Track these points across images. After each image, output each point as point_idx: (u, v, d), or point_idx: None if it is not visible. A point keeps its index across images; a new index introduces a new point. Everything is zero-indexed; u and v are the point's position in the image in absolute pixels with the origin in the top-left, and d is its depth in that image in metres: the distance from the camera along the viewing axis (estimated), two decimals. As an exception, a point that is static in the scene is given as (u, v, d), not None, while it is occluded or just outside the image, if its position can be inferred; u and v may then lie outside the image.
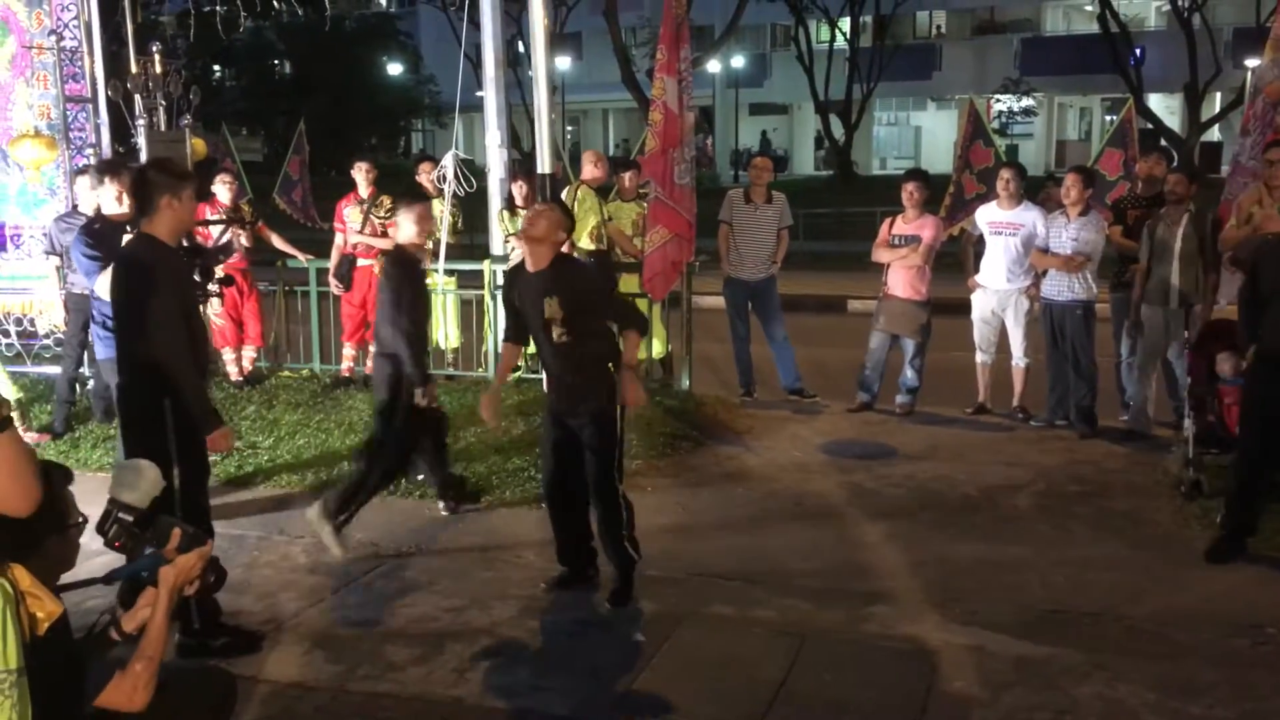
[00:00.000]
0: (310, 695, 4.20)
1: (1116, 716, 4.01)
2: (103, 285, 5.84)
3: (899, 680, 4.32)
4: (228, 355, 9.02)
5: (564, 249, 5.08)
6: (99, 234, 6.29)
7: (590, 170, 8.79)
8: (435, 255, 8.68)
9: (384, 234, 8.88)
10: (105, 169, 6.55)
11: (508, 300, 5.23)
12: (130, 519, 2.82)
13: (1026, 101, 37.95)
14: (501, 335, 5.65)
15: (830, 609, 4.95)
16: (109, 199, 6.39)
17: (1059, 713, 4.03)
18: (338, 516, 5.54)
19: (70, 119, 8.69)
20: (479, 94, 9.46)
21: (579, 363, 4.94)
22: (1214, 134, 33.55)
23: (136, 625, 2.73)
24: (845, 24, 36.52)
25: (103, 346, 6.27)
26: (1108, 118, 38.40)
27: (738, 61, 40.02)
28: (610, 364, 4.99)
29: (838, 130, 36.49)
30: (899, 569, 5.42)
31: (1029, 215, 7.91)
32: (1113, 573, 5.36)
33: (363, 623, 4.87)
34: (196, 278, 4.78)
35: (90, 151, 8.71)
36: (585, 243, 8.46)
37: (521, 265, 5.05)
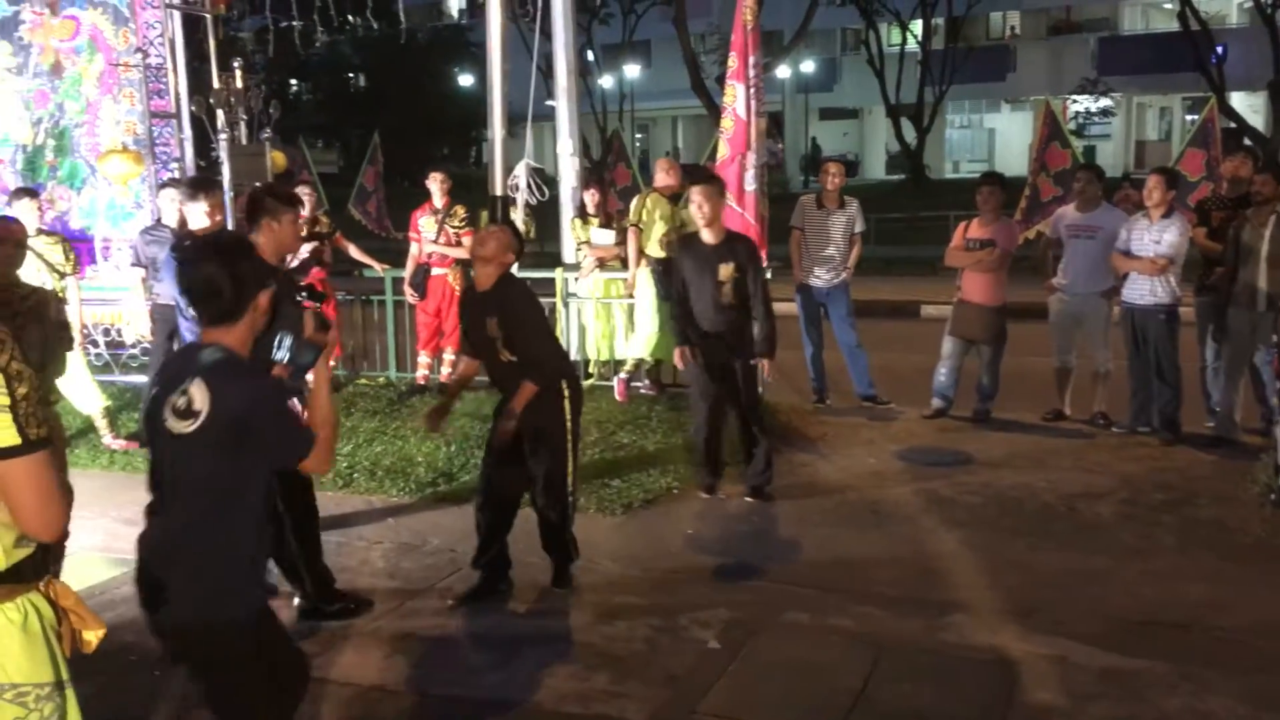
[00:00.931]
0: (391, 698, 4.26)
1: (1206, 730, 3.91)
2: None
3: (979, 691, 4.26)
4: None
5: (512, 269, 5.19)
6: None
7: (662, 178, 8.80)
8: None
9: (458, 243, 8.99)
10: (196, 185, 6.50)
11: (461, 317, 5.41)
12: None
13: (1104, 102, 37.26)
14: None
15: (908, 618, 4.90)
16: (198, 215, 6.36)
17: (1146, 726, 3.95)
18: None
19: (155, 134, 8.93)
20: (549, 103, 9.54)
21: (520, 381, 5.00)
22: (1300, 132, 32.63)
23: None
24: (916, 26, 36.20)
25: None
26: (1189, 117, 37.57)
27: (807, 66, 39.81)
28: (561, 379, 5.10)
29: (909, 134, 36.15)
30: (977, 578, 5.35)
31: (1108, 218, 7.77)
32: (1200, 583, 5.23)
33: (442, 627, 4.93)
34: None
35: (175, 166, 8.95)
36: (655, 250, 8.47)
37: (472, 284, 5.18)
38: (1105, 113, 38.57)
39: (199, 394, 2.83)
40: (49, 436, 2.29)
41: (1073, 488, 6.65)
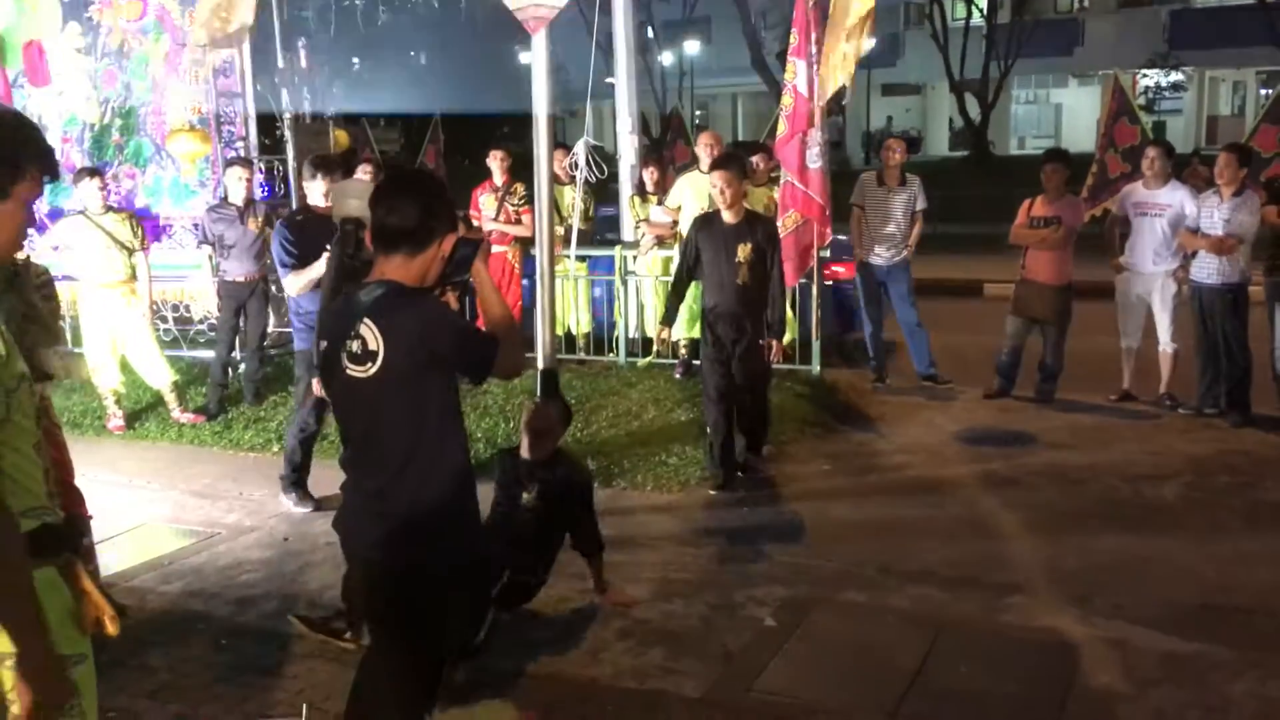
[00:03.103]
0: (449, 669, 4.31)
1: (1272, 716, 3.85)
2: (292, 284, 5.95)
3: (1038, 674, 4.22)
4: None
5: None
6: (300, 227, 5.99)
7: (705, 156, 8.77)
8: (567, 241, 8.79)
9: (518, 221, 9.04)
10: (318, 164, 6.17)
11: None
12: (351, 227, 3.43)
13: (1175, 76, 36.35)
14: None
15: (966, 599, 4.87)
16: (317, 193, 6.03)
17: (1209, 711, 3.90)
18: None
19: (220, 113, 9.06)
20: (609, 80, 9.52)
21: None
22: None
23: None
24: (982, 0, 35.54)
25: (299, 339, 6.27)
26: (1263, 91, 36.56)
27: (869, 41, 39.23)
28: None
29: (973, 110, 35.58)
30: (1038, 560, 5.29)
31: (1177, 195, 7.61)
32: (1266, 567, 5.14)
33: (499, 602, 4.97)
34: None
35: (239, 144, 9.07)
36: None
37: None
38: (1176, 87, 37.64)
39: (370, 334, 2.82)
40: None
41: (1137, 469, 6.55)
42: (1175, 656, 4.29)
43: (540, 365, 5.90)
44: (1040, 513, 5.94)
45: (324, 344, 2.99)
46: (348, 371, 2.87)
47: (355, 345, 2.85)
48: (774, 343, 6.39)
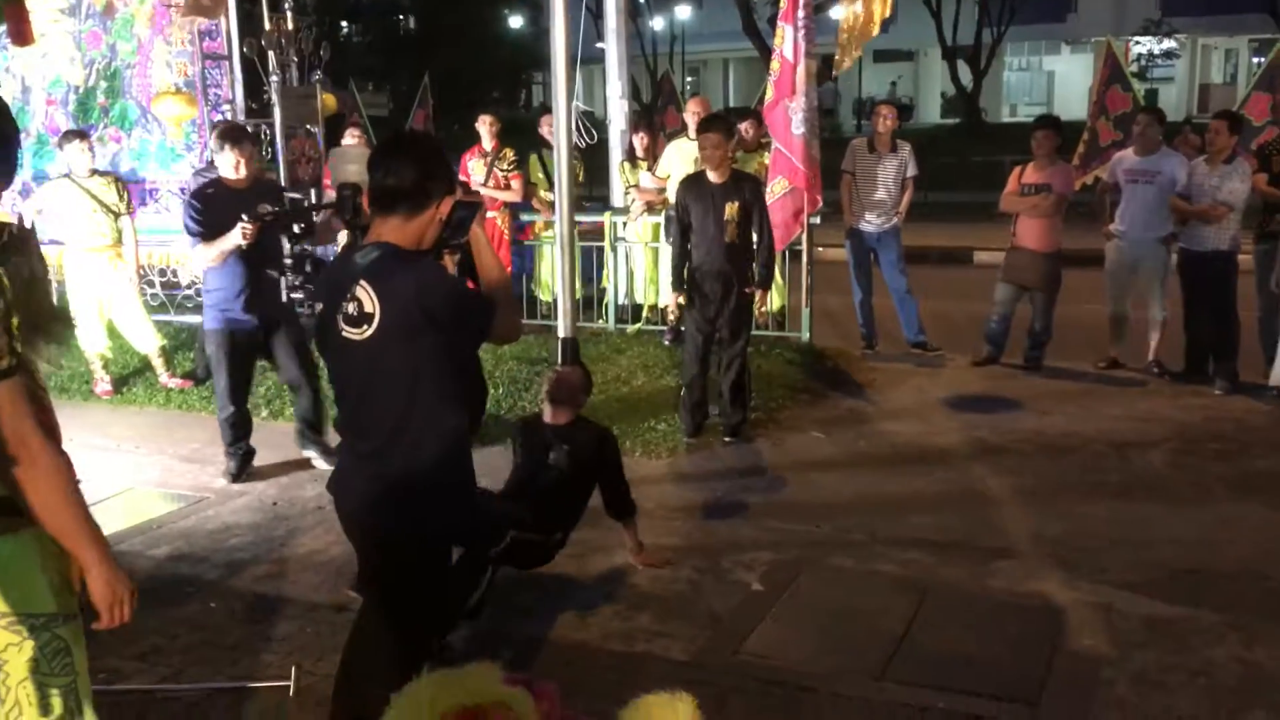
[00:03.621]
0: (451, 632, 4.32)
1: (1254, 680, 3.89)
2: (201, 256, 5.84)
3: (1024, 636, 4.25)
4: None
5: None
6: (210, 199, 5.83)
7: (693, 122, 8.74)
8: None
9: (507, 186, 9.01)
10: (227, 135, 5.89)
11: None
12: (349, 193, 3.36)
13: (1168, 44, 36.23)
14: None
15: (953, 563, 4.90)
16: (227, 165, 5.84)
17: (1193, 674, 3.93)
18: None
19: (207, 76, 8.96)
20: (599, 45, 9.47)
21: None
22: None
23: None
24: (975, -34, 35.32)
25: (209, 318, 6.05)
26: (1255, 60, 36.44)
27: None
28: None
29: (965, 77, 35.45)
30: (1024, 525, 5.32)
31: (1167, 162, 7.60)
32: (1251, 533, 5.18)
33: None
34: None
35: (226, 108, 8.99)
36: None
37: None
38: (1169, 55, 37.53)
39: (366, 297, 2.80)
40: (13, 368, 2.20)
41: (1124, 436, 6.58)
42: (1159, 620, 4.32)
43: (562, 333, 5.89)
44: (1027, 479, 5.96)
45: (320, 305, 2.97)
46: (344, 334, 2.86)
47: (351, 307, 2.83)
48: (759, 291, 6.55)
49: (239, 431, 6.13)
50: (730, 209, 6.31)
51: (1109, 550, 4.99)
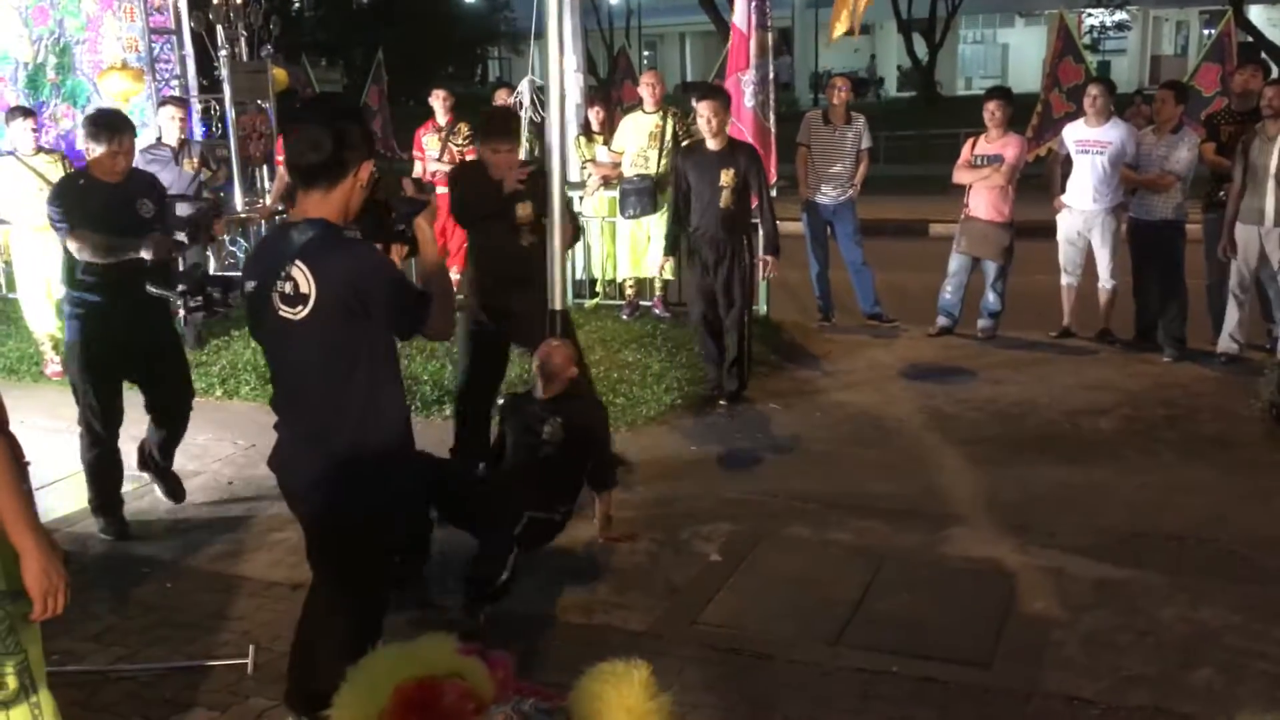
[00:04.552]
0: (399, 609, 4.32)
1: (1199, 639, 3.97)
2: (76, 248, 4.82)
3: (977, 601, 4.32)
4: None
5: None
6: (82, 191, 4.93)
7: (649, 95, 8.73)
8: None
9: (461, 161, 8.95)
10: (98, 124, 4.91)
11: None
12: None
13: (1119, 15, 36.55)
14: None
15: (908, 531, 4.96)
16: (102, 156, 4.89)
17: (1140, 634, 4.01)
18: None
19: (155, 51, 8.83)
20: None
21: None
22: (1319, 46, 32.01)
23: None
24: (930, -62, 35.37)
25: (69, 329, 5.07)
26: (1205, 31, 36.85)
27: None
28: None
29: (921, 50, 35.56)
30: (978, 492, 5.40)
31: (1117, 133, 7.67)
32: (1198, 496, 5.28)
33: (446, 541, 4.98)
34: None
35: (175, 83, 8.87)
36: (632, 169, 8.46)
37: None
38: (1121, 27, 37.87)
39: (301, 277, 2.76)
40: None
41: (1076, 404, 6.68)
42: (1108, 582, 4.41)
43: (555, 305, 5.86)
44: (981, 446, 6.04)
45: (252, 284, 2.91)
46: (280, 313, 2.83)
47: (287, 287, 2.80)
48: (769, 259, 6.73)
49: (107, 474, 5.10)
50: (726, 176, 6.45)
51: (1060, 515, 5.08)
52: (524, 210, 5.15)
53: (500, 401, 5.33)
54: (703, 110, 6.51)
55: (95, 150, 4.88)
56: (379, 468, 2.95)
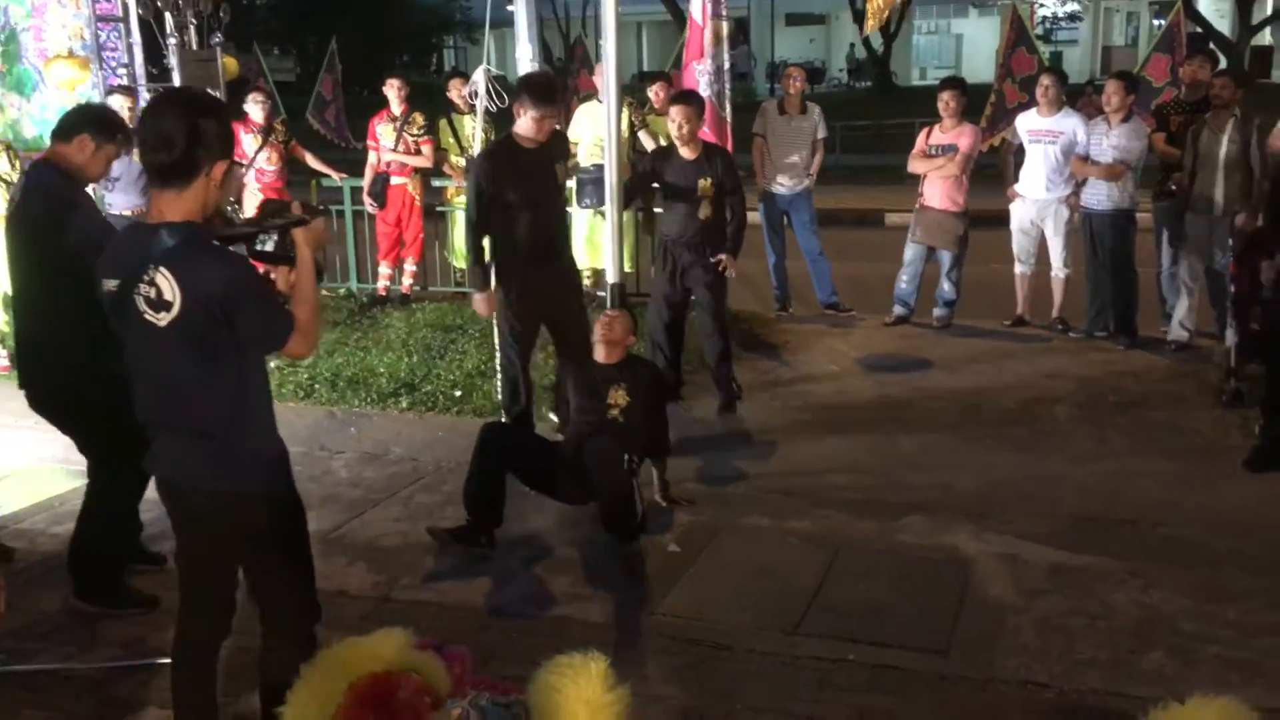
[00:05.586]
0: (354, 604, 4.30)
1: (1151, 622, 4.03)
2: None
3: (933, 588, 4.35)
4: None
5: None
6: None
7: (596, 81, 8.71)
8: (468, 171, 8.64)
9: (417, 151, 8.87)
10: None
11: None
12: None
13: (1071, 6, 36.93)
14: None
15: (865, 519, 4.98)
16: None
17: (1093, 618, 4.06)
18: None
19: (102, 39, 8.65)
20: (509, 8, 9.34)
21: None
22: (1265, 37, 32.55)
23: (288, 284, 3.00)
24: (884, -72, 35.48)
25: None
26: (1155, 22, 37.29)
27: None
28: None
29: (876, 40, 35.71)
30: (934, 480, 5.43)
31: (1069, 122, 7.74)
32: (1150, 482, 5.35)
33: (404, 535, 4.96)
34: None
35: (123, 72, 8.70)
36: (588, 159, 8.42)
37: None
38: (1072, 18, 38.29)
39: (166, 283, 2.68)
40: None
41: (1030, 392, 6.74)
42: (1062, 568, 4.45)
43: (611, 279, 5.92)
44: (937, 435, 6.08)
45: (114, 283, 2.80)
46: (144, 315, 2.75)
47: (151, 292, 2.71)
48: (726, 257, 6.47)
49: None
50: (703, 185, 6.30)
51: (1015, 502, 5.13)
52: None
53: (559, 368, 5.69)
54: (674, 116, 6.33)
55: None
56: (259, 453, 2.95)
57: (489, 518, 4.74)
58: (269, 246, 2.96)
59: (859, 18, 35.26)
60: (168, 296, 2.69)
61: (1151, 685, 3.59)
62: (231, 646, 3.13)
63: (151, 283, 2.70)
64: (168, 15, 8.05)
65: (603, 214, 8.37)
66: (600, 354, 5.16)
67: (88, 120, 4.27)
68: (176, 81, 8.06)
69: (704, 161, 6.35)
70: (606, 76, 5.85)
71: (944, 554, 4.64)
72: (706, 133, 7.70)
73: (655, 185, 6.65)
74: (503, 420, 5.84)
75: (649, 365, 5.58)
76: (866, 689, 3.66)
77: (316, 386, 6.97)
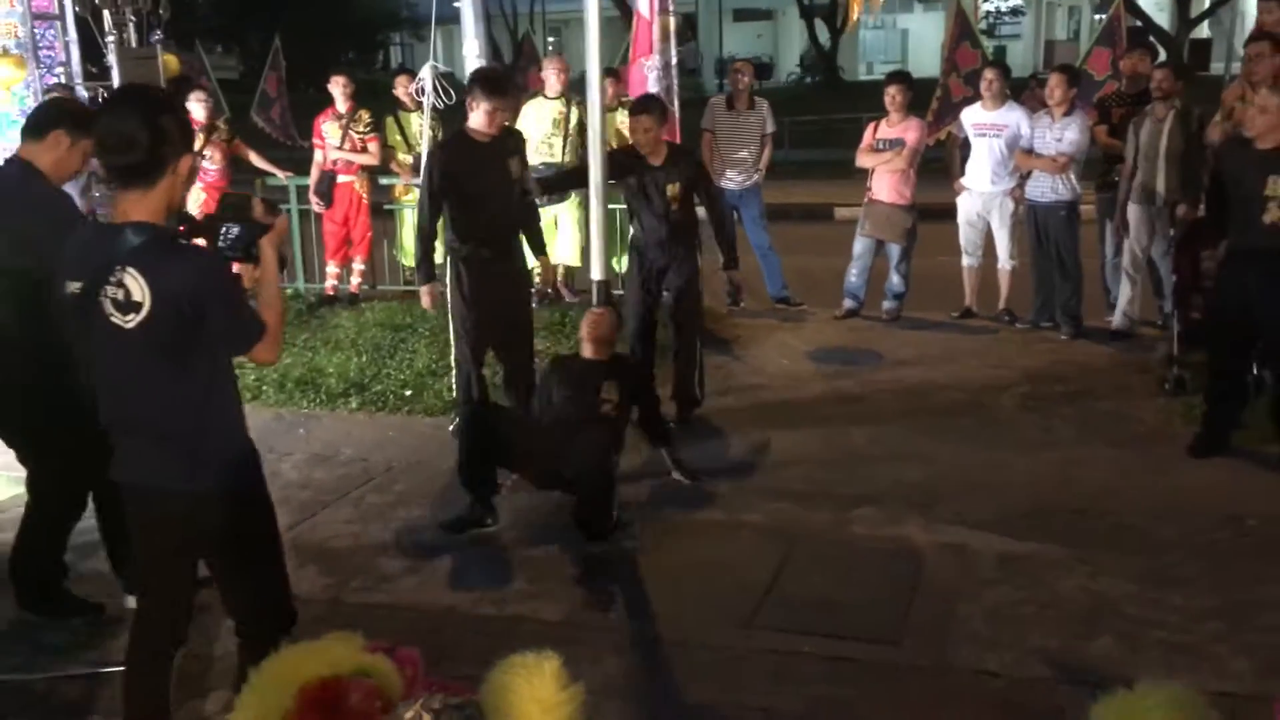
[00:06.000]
0: (305, 607, 4.18)
1: (1098, 609, 4.08)
2: None
3: (885, 579, 4.39)
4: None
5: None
6: None
7: (553, 82, 8.66)
8: (416, 169, 8.58)
9: (363, 149, 8.79)
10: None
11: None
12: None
13: (1014, 1, 37.34)
14: None
15: (818, 512, 5.01)
16: None
17: (1042, 606, 4.11)
18: None
19: (38, 36, 8.49)
20: (455, 4, 9.27)
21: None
22: (1203, 30, 33.11)
23: (251, 281, 2.97)
24: (830, -76, 35.69)
25: None
26: (1096, 16, 37.80)
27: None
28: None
29: (824, 35, 35.92)
30: (884, 472, 5.47)
31: (1013, 116, 7.82)
32: (1096, 470, 5.42)
33: (355, 536, 4.92)
34: None
35: (60, 70, 8.55)
36: (536, 155, 8.40)
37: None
38: (1015, 12, 38.74)
39: (134, 284, 2.63)
40: None
41: (978, 382, 6.81)
42: (1011, 557, 4.50)
43: (595, 276, 5.90)
44: (887, 426, 6.13)
45: (77, 286, 2.74)
46: (111, 319, 2.69)
47: (119, 293, 2.66)
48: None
49: None
50: (672, 190, 6.16)
51: (964, 493, 5.17)
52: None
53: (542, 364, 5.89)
54: (636, 126, 6.14)
55: None
56: (228, 452, 2.93)
57: (487, 491, 4.91)
58: (231, 243, 2.92)
59: (806, 13, 35.60)
60: (137, 297, 2.65)
61: (1100, 671, 3.63)
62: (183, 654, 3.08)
63: (120, 284, 2.66)
64: (106, 12, 7.92)
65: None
66: (588, 351, 5.31)
67: (62, 115, 4.16)
68: (116, 81, 7.92)
69: (672, 168, 6.20)
70: (589, 73, 5.89)
71: (896, 545, 4.68)
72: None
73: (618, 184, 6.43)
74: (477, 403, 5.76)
75: (633, 363, 5.82)
76: (821, 681, 3.68)
77: (264, 388, 6.88)
